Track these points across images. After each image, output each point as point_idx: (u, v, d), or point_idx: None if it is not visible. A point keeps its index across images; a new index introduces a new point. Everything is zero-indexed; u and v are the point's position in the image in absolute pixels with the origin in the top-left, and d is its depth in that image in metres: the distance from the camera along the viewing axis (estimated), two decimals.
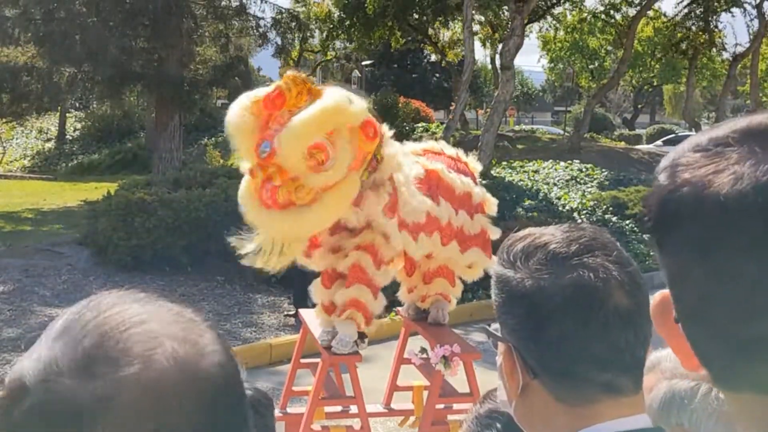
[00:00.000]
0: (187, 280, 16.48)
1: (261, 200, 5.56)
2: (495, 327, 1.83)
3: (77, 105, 51.40)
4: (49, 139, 48.60)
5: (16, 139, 47.59)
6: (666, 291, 1.09)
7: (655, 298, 1.13)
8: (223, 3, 32.11)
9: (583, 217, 20.87)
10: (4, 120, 38.94)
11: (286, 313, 14.77)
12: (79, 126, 49.57)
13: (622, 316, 1.65)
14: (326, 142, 5.45)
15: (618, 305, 1.66)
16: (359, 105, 5.62)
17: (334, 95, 5.49)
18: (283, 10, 33.24)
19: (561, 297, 1.68)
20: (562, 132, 48.92)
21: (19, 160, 44.47)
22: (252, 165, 5.52)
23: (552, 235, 1.79)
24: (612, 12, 36.62)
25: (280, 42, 34.32)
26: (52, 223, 23.63)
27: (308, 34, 42.34)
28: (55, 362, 1.00)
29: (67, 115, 48.91)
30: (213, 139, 43.68)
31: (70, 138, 48.27)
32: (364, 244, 6.36)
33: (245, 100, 5.61)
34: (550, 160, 27.75)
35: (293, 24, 33.89)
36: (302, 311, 8.48)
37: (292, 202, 5.50)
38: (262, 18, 32.63)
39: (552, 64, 58.44)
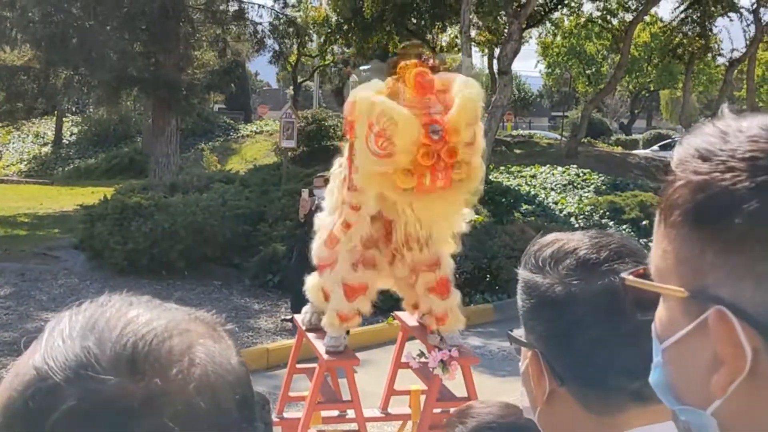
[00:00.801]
0: (183, 285, 16.49)
1: (419, 188, 5.58)
2: (519, 332, 1.80)
3: (74, 109, 51.48)
4: (45, 144, 48.62)
5: (13, 143, 47.62)
6: None
7: None
8: (221, 8, 32.12)
9: (580, 221, 20.89)
10: (0, 124, 39.00)
11: (283, 317, 14.77)
12: (75, 130, 49.62)
13: (651, 323, 1.63)
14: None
15: None
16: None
17: (477, 87, 5.79)
18: (281, 15, 33.25)
19: (592, 303, 1.65)
20: (559, 137, 48.90)
21: (16, 165, 44.48)
22: (412, 155, 5.52)
23: (580, 241, 1.77)
24: (609, 17, 36.70)
25: (277, 47, 34.36)
26: (48, 227, 23.65)
27: (306, 39, 42.44)
28: (94, 360, 0.97)
29: (64, 119, 48.93)
30: (210, 143, 43.74)
31: (67, 142, 48.29)
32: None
33: (379, 96, 5.75)
34: (548, 165, 27.79)
35: (291, 29, 33.92)
36: (298, 316, 8.46)
37: (452, 180, 5.62)
38: (260, 23, 32.68)
39: (549, 69, 58.61)
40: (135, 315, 1.04)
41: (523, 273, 1.78)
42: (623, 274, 1.23)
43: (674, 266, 1.08)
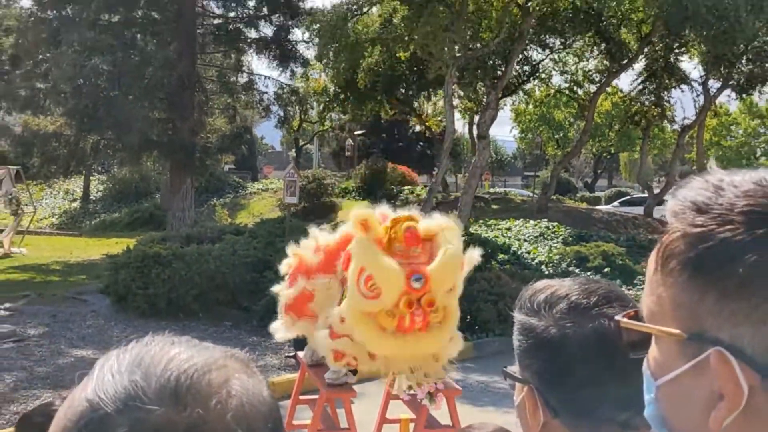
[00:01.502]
0: (198, 326, 16.46)
1: (400, 328, 5.69)
2: (513, 369, 1.80)
3: (100, 169, 51.45)
4: (74, 200, 48.57)
5: (46, 199, 47.57)
6: None
7: None
8: (232, 79, 32.29)
9: (549, 269, 20.90)
10: (34, 182, 38.95)
11: (286, 354, 14.74)
12: (101, 187, 49.59)
13: (639, 360, 1.65)
14: None
15: None
16: None
17: (458, 246, 5.89)
18: (285, 86, 33.41)
19: (584, 344, 1.67)
20: (531, 194, 49.03)
21: (48, 218, 44.39)
22: (395, 299, 5.64)
23: (571, 287, 1.78)
24: (575, 88, 36.79)
25: (282, 114, 34.48)
26: (77, 274, 23.60)
27: (307, 107, 42.59)
28: (141, 392, 0.98)
29: (91, 177, 48.91)
30: (221, 199, 43.75)
31: (94, 198, 48.25)
32: None
33: (371, 243, 5.84)
34: (521, 219, 27.81)
35: (294, 98, 34.06)
36: (301, 353, 8.50)
37: (429, 323, 5.73)
38: (266, 92, 32.84)
39: (522, 134, 58.68)
40: (177, 352, 1.05)
41: (519, 316, 1.79)
42: (617, 317, 1.24)
43: (670, 310, 1.08)
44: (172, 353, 1.04)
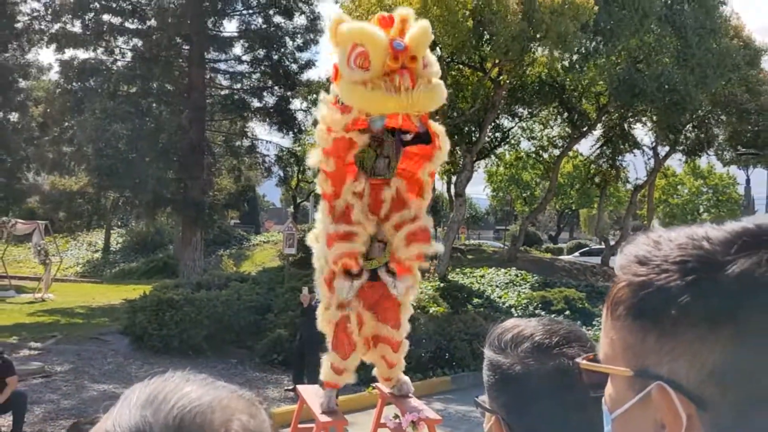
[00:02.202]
0: (207, 363, 16.42)
1: (388, 88, 5.72)
2: (483, 398, 1.81)
3: (119, 223, 51.45)
4: (96, 251, 48.46)
5: (71, 250, 47.44)
6: None
7: None
8: (237, 143, 32.42)
9: (518, 312, 20.95)
10: (61, 235, 38.92)
11: (286, 388, 14.74)
12: (120, 240, 49.50)
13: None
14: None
15: None
16: None
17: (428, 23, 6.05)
18: (285, 149, 33.58)
19: (546, 380, 1.66)
20: (502, 245, 49.13)
21: (73, 267, 44.23)
22: (382, 61, 5.73)
23: (535, 327, 1.77)
24: (541, 152, 36.97)
25: (282, 174, 34.60)
26: (99, 317, 23.53)
27: (304, 167, 42.71)
28: (148, 427, 0.98)
29: (111, 231, 48.86)
30: (227, 250, 43.70)
31: (114, 249, 48.14)
32: None
33: (363, 23, 6.03)
34: (493, 268, 27.87)
35: (292, 159, 34.20)
36: (299, 387, 8.56)
37: (415, 83, 5.78)
38: (268, 155, 32.96)
39: (494, 193, 58.73)
40: (188, 391, 1.04)
41: (488, 353, 1.79)
42: (577, 360, 1.23)
43: (620, 351, 1.09)
44: (184, 391, 1.04)
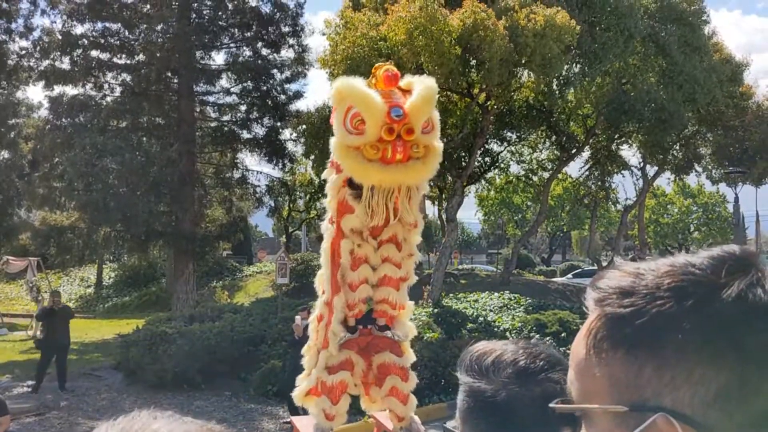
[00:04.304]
0: (201, 396, 16.31)
1: (383, 159, 5.59)
2: (453, 425, 1.76)
3: (111, 258, 51.29)
4: (89, 286, 48.33)
5: (63, 286, 47.27)
6: None
7: None
8: (228, 175, 32.41)
9: (513, 335, 20.85)
10: (53, 271, 38.75)
11: (283, 420, 14.61)
12: (113, 274, 49.37)
13: None
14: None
15: None
16: None
17: (433, 86, 5.81)
18: (275, 179, 33.56)
19: (532, 406, 1.60)
20: (495, 269, 49.08)
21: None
22: (377, 131, 5.59)
23: (515, 351, 1.73)
24: (531, 175, 37.14)
25: (273, 204, 34.57)
26: (92, 352, 23.39)
27: (295, 197, 42.70)
28: None
29: (103, 266, 48.73)
30: (221, 282, 43.53)
31: (106, 284, 48.00)
32: None
33: (357, 81, 5.82)
34: (487, 292, 27.78)
35: (283, 189, 34.20)
36: (294, 418, 8.42)
37: (410, 156, 5.63)
38: (258, 185, 32.92)
39: (486, 217, 59.00)
40: (156, 428, 1.04)
41: (465, 378, 1.74)
42: (551, 404, 1.17)
43: (607, 387, 1.04)
44: (152, 428, 1.03)
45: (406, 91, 5.79)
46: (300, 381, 7.40)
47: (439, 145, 5.87)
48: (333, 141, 6.02)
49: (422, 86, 5.75)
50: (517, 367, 1.69)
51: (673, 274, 1.03)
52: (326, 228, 6.75)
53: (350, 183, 6.31)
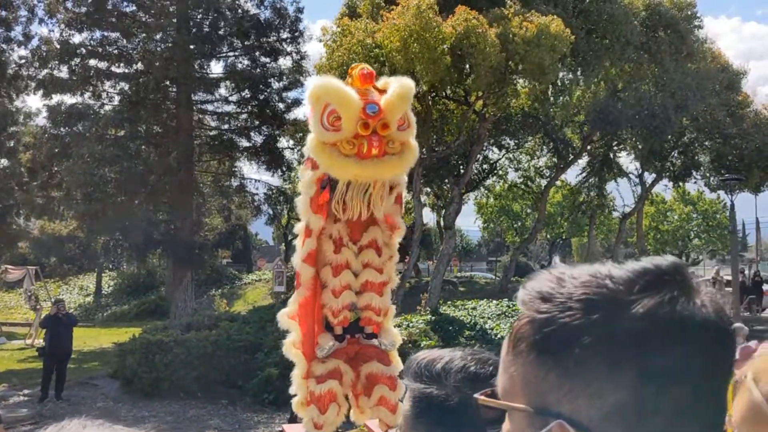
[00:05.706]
0: (197, 404, 16.27)
1: (359, 155, 5.57)
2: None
3: (110, 266, 51.29)
4: (88, 294, 48.28)
5: (62, 294, 47.18)
6: None
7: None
8: (226, 183, 32.41)
9: None
10: (52, 279, 38.73)
11: (279, 429, 14.57)
12: (112, 283, 49.36)
13: None
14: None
15: None
16: None
17: (409, 84, 5.82)
18: (273, 187, 33.55)
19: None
20: (494, 277, 49.07)
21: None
22: (353, 126, 5.59)
23: (463, 357, 1.74)
24: (529, 183, 37.19)
25: (271, 212, 34.57)
26: (90, 361, 23.33)
27: (294, 205, 42.69)
28: None
29: (103, 274, 48.72)
30: (219, 290, 43.50)
31: (105, 293, 47.97)
32: None
33: (333, 79, 5.82)
34: (485, 299, 27.74)
35: (281, 197, 34.19)
36: (286, 426, 8.38)
37: (386, 152, 5.61)
38: (257, 194, 32.91)
39: (485, 224, 58.93)
40: None
41: (414, 384, 1.73)
42: (476, 395, 1.19)
43: (520, 388, 1.07)
44: None
45: (383, 91, 5.81)
46: (293, 391, 7.39)
47: (414, 143, 5.86)
48: (309, 138, 6.02)
49: (398, 84, 5.76)
50: (467, 372, 1.70)
51: (589, 285, 1.04)
52: (300, 228, 6.74)
53: (324, 182, 6.33)
